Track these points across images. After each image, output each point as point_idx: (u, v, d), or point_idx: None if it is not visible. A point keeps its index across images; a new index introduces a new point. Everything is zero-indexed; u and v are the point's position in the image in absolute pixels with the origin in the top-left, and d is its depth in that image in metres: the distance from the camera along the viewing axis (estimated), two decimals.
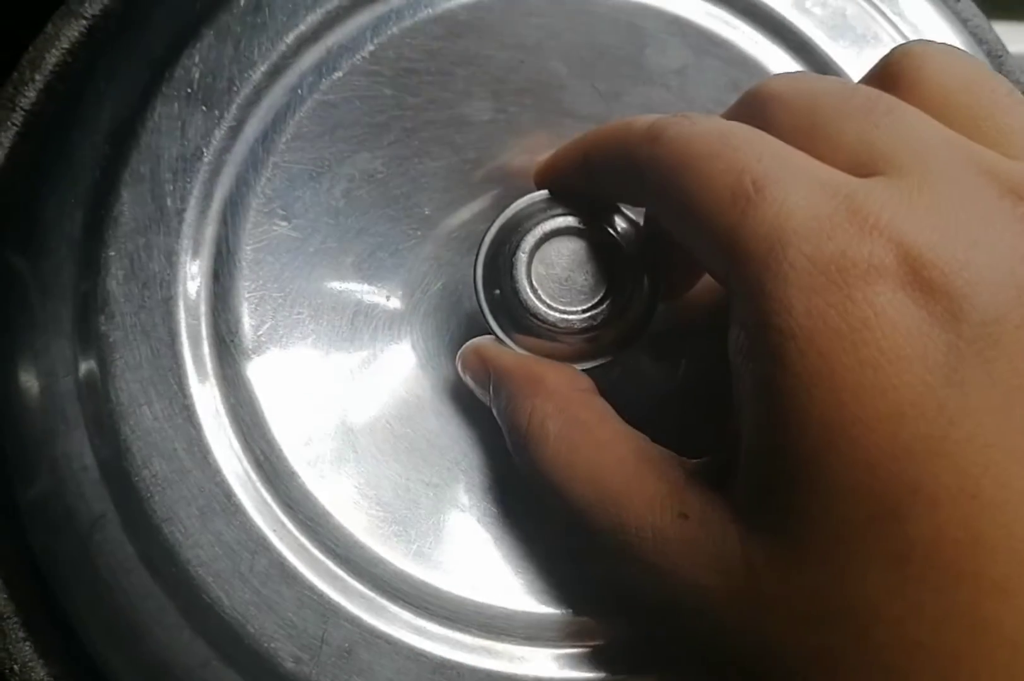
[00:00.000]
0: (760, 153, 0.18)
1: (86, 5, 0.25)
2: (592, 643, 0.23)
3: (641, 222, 0.23)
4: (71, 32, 0.25)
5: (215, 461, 0.22)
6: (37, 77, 0.24)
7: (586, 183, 0.23)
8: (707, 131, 0.19)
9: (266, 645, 0.22)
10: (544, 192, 0.23)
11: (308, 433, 0.24)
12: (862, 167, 0.18)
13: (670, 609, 0.19)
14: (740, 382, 0.18)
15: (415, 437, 0.24)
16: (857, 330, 0.16)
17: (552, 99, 0.26)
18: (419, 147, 0.25)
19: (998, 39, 0.28)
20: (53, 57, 0.24)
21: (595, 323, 0.22)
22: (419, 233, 0.26)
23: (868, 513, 0.16)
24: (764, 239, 0.17)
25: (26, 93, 0.24)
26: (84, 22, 0.25)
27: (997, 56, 0.28)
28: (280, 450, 0.23)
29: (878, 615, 0.16)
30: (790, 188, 0.17)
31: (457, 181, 0.26)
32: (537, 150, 0.25)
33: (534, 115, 0.26)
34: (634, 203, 0.23)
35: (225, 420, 0.23)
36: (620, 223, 0.23)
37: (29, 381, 0.24)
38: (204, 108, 0.24)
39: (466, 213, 0.26)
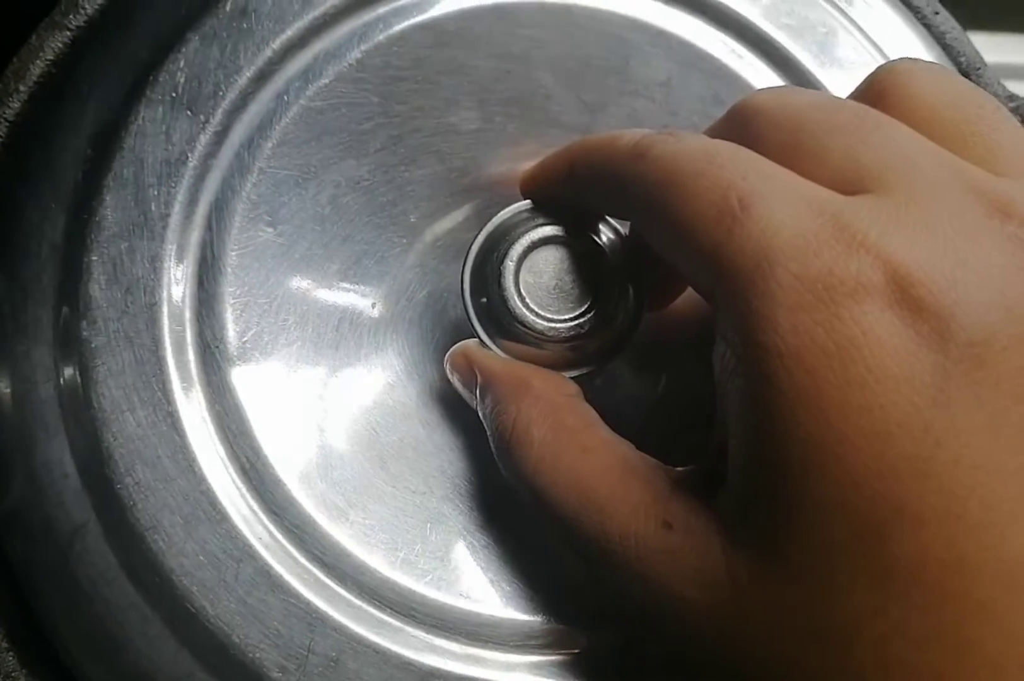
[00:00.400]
0: (745, 171, 0.18)
1: (71, 17, 0.25)
2: (578, 651, 0.23)
3: (626, 232, 0.23)
4: (55, 43, 0.25)
5: (200, 469, 0.22)
6: (21, 88, 0.24)
7: (571, 195, 0.23)
8: (692, 149, 0.19)
9: (251, 655, 0.21)
10: (530, 202, 0.23)
11: (294, 440, 0.23)
12: (848, 184, 0.18)
13: (652, 619, 0.19)
14: (725, 397, 0.18)
15: (401, 445, 0.24)
16: (844, 348, 0.16)
17: (538, 109, 0.26)
18: (405, 155, 0.25)
19: (976, 52, 0.29)
20: (37, 68, 0.24)
21: (582, 331, 0.22)
22: (405, 241, 0.25)
23: (853, 531, 0.16)
24: (750, 256, 0.17)
25: (10, 104, 0.24)
26: (68, 33, 0.25)
27: (976, 69, 0.29)
28: (266, 457, 0.23)
29: (861, 633, 0.16)
30: (775, 206, 0.17)
31: (443, 189, 0.26)
32: (523, 160, 0.25)
33: (520, 125, 0.26)
34: (619, 216, 0.23)
35: (210, 427, 0.23)
36: (606, 232, 0.23)
37: (8, 387, 0.23)
38: (189, 113, 0.24)
39: (452, 221, 0.26)
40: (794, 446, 0.16)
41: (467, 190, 0.26)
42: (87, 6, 0.25)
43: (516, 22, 0.26)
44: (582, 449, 0.21)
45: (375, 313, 0.25)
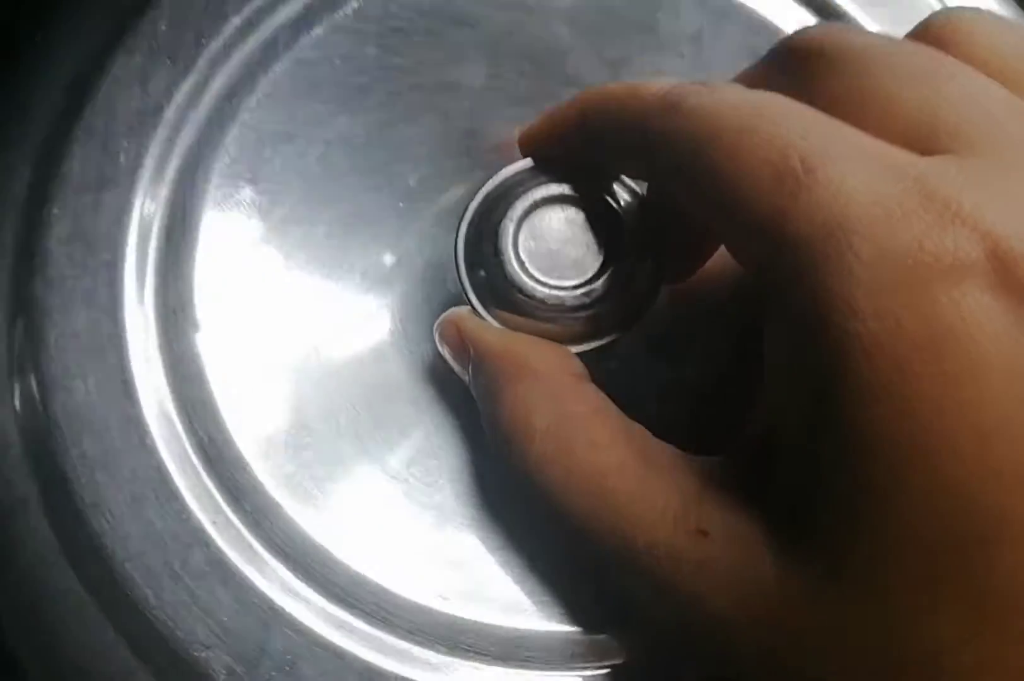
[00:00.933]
0: (804, 128, 0.16)
1: None
2: (595, 664, 0.21)
3: (642, 191, 0.21)
4: None
5: (152, 442, 0.21)
6: None
7: (581, 150, 0.21)
8: (736, 101, 0.17)
9: (196, 654, 0.20)
10: (531, 160, 0.21)
11: (261, 416, 0.22)
12: (923, 141, 0.16)
13: (682, 634, 0.18)
14: (781, 385, 0.17)
15: (386, 426, 0.22)
16: (940, 338, 0.14)
17: (553, 65, 0.24)
18: (404, 112, 0.24)
19: None
20: None
21: (588, 301, 0.20)
22: (401, 205, 0.24)
23: (943, 546, 0.15)
24: (821, 226, 0.15)
25: None
26: None
27: None
28: (228, 434, 0.21)
29: (945, 666, 0.15)
30: (846, 168, 0.15)
31: (445, 151, 0.24)
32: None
33: (532, 82, 0.24)
34: (639, 176, 0.21)
35: (167, 398, 0.21)
36: (619, 192, 0.21)
37: None
38: (168, 61, 0.23)
39: (453, 186, 0.24)
40: (874, 447, 0.15)
41: (471, 152, 0.24)
42: None
43: None
44: (593, 442, 0.19)
45: (365, 282, 0.23)
